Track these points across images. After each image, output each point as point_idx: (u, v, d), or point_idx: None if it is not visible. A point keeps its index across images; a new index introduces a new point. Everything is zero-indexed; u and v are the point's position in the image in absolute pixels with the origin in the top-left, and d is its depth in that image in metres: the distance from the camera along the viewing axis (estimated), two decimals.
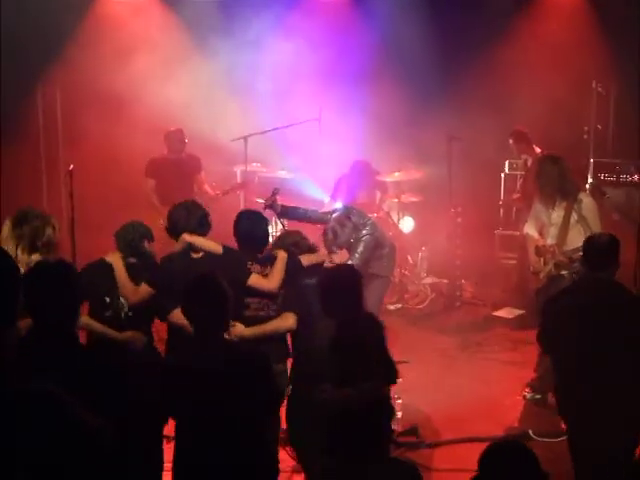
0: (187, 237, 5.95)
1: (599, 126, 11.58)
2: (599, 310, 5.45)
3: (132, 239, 6.00)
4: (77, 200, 8.58)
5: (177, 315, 5.40)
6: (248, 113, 11.02)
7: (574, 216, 7.47)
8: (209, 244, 5.98)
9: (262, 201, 8.04)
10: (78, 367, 3.73)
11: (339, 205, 8.62)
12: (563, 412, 5.77)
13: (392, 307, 10.17)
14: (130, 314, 5.90)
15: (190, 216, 5.99)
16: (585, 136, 12.41)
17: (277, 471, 5.06)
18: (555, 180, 7.56)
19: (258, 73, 11.54)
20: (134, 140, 10.94)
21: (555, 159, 7.76)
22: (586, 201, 7.54)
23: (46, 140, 11.99)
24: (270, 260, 6.05)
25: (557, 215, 7.56)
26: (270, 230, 6.49)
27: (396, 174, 10.56)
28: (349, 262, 7.55)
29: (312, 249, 6.63)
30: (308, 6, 11.86)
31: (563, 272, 7.50)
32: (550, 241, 7.59)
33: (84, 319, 5.63)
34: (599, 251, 5.66)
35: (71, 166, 8.72)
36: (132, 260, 6.01)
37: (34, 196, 11.12)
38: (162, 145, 9.67)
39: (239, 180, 10.35)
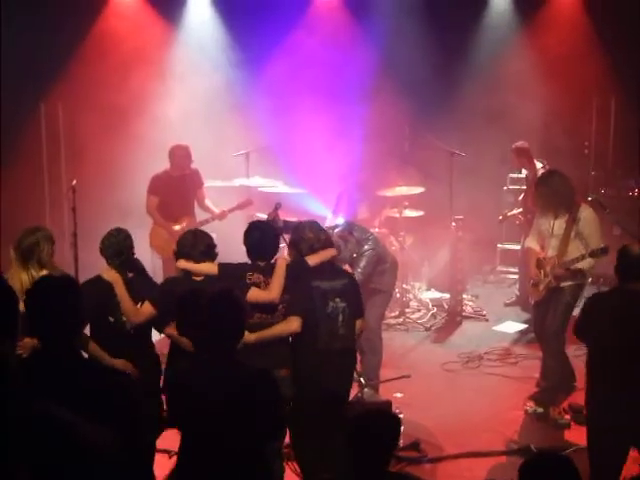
0: (182, 264, 5.99)
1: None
2: (630, 322, 5.56)
3: (121, 252, 5.98)
4: (80, 215, 8.62)
5: (172, 330, 5.68)
6: (247, 129, 11.06)
7: (575, 229, 7.50)
8: (203, 267, 5.95)
9: (264, 216, 8.06)
10: (81, 383, 3.74)
11: (341, 220, 8.65)
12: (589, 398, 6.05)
13: (393, 321, 10.17)
14: (132, 331, 5.89)
15: (196, 244, 6.00)
16: (586, 150, 12.47)
17: None
18: (559, 193, 7.60)
19: (257, 89, 11.58)
20: (136, 155, 10.99)
21: (560, 173, 7.82)
22: (586, 213, 7.56)
23: (49, 156, 12.04)
24: (272, 268, 5.96)
25: (558, 227, 7.59)
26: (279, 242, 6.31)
27: (397, 189, 10.58)
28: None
29: (325, 244, 6.25)
30: (308, 23, 11.93)
31: (563, 285, 7.54)
32: (551, 253, 7.62)
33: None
34: (630, 262, 5.70)
35: (74, 181, 8.76)
36: (130, 275, 5.97)
37: (37, 211, 11.17)
38: (164, 160, 9.66)
39: (242, 196, 10.32)
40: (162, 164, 9.67)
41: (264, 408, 4.35)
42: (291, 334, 5.88)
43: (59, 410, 3.04)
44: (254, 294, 5.78)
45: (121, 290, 5.84)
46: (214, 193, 10.57)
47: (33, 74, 11.00)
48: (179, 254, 6.04)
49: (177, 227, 9.41)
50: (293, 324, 5.81)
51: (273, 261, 6.03)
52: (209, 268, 5.94)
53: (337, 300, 5.92)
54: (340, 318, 5.90)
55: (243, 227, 10.04)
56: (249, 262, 6.03)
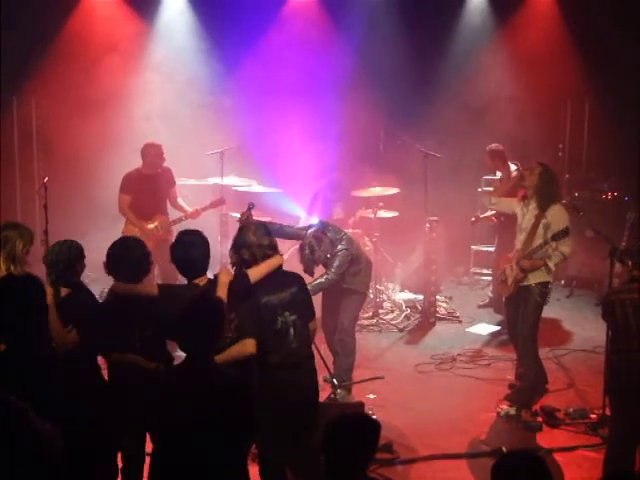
0: (116, 288, 5.58)
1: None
2: None
3: (57, 263, 5.52)
4: (51, 212, 8.54)
5: (118, 356, 5.40)
6: (222, 127, 11.02)
7: (543, 224, 7.55)
8: (142, 289, 5.58)
9: (237, 215, 8.00)
10: (41, 381, 3.71)
11: (315, 220, 8.61)
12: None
13: (367, 322, 10.15)
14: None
15: (125, 260, 5.56)
16: (560, 153, 12.53)
17: None
18: (541, 186, 7.63)
19: (232, 88, 11.54)
20: (109, 153, 10.93)
21: (546, 167, 7.84)
22: (554, 210, 7.60)
23: (21, 152, 11.93)
24: (213, 288, 5.46)
25: (527, 221, 7.65)
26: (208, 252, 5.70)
27: (372, 190, 10.57)
28: (325, 277, 7.58)
29: (267, 251, 5.70)
30: (283, 21, 11.91)
31: (530, 283, 7.58)
32: (518, 247, 7.69)
33: None
34: None
35: (46, 178, 8.69)
36: (65, 292, 5.45)
37: (8, 208, 11.05)
38: (137, 158, 9.59)
39: (216, 195, 10.26)
40: (135, 162, 9.60)
41: (240, 409, 4.32)
42: (249, 356, 5.42)
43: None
44: None
45: (51, 312, 5.15)
46: (188, 192, 10.52)
47: (6, 68, 10.88)
48: (111, 273, 5.60)
49: (151, 225, 9.37)
50: (248, 347, 5.39)
51: (214, 276, 5.60)
52: (149, 290, 5.59)
53: (286, 314, 5.56)
54: (291, 332, 5.56)
55: (216, 226, 10.04)
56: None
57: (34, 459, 3.23)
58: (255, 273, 5.56)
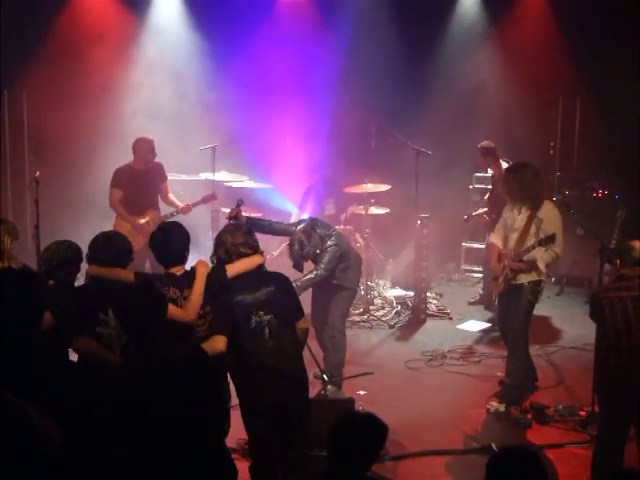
0: (92, 271, 5.52)
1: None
2: None
3: (51, 261, 5.59)
4: (42, 207, 8.52)
5: (81, 342, 5.28)
6: (214, 123, 11.01)
7: (536, 224, 7.55)
8: (119, 274, 5.46)
9: (228, 211, 8.00)
10: (32, 375, 3.71)
11: (305, 216, 8.62)
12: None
13: (357, 319, 10.16)
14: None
15: (106, 247, 5.53)
16: (551, 151, 12.56)
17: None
18: (526, 186, 7.63)
19: (224, 84, 11.52)
20: (101, 147, 10.92)
21: (531, 166, 7.86)
22: (548, 209, 7.61)
23: (12, 146, 11.89)
24: (189, 279, 5.47)
25: (520, 221, 7.65)
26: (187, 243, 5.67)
27: (364, 186, 10.58)
28: (315, 272, 7.58)
29: (242, 251, 5.73)
30: (276, 19, 11.91)
31: (522, 281, 7.59)
32: (511, 246, 7.69)
33: None
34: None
35: (37, 173, 8.66)
36: (50, 283, 5.52)
37: None
38: (129, 153, 9.57)
39: (207, 191, 10.24)
40: (127, 157, 9.59)
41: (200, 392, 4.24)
42: (219, 354, 5.33)
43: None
44: (171, 312, 5.06)
45: None
46: (179, 187, 10.52)
47: None
48: (90, 258, 5.58)
49: (142, 220, 9.36)
50: (218, 344, 5.31)
51: (191, 268, 5.59)
52: (125, 275, 5.46)
53: (261, 314, 5.53)
54: (266, 331, 5.52)
55: (207, 221, 10.04)
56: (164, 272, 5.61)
57: (35, 457, 3.21)
58: (233, 269, 5.62)
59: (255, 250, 5.81)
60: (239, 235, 5.79)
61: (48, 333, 5.08)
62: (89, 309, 5.30)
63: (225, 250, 5.72)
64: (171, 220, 5.93)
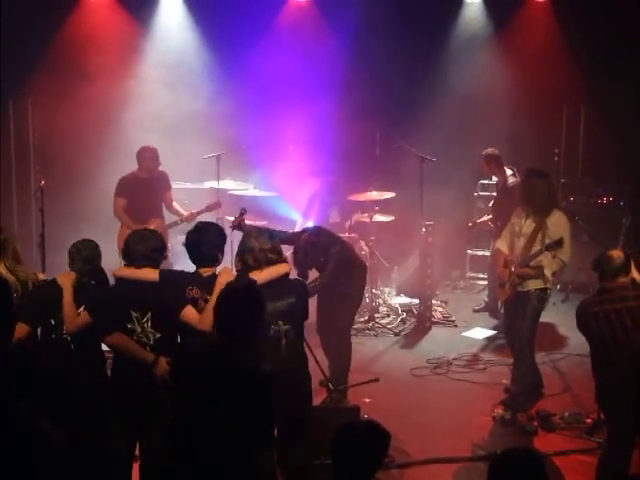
0: (117, 273, 5.58)
1: None
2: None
3: (91, 257, 5.75)
4: (48, 216, 8.54)
5: (115, 338, 5.38)
6: (219, 131, 11.02)
7: (543, 231, 7.54)
8: (141, 274, 5.44)
9: (232, 219, 8.01)
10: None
11: (310, 224, 8.62)
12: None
13: (363, 326, 10.15)
14: (69, 338, 5.59)
15: (138, 246, 5.52)
16: (555, 158, 12.54)
17: None
18: (543, 193, 7.62)
19: (229, 92, 11.53)
20: (105, 156, 10.93)
21: (544, 174, 7.87)
22: (556, 217, 7.61)
23: (17, 155, 11.91)
24: (212, 285, 5.45)
25: (527, 227, 7.65)
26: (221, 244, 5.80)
27: (368, 194, 10.59)
28: (319, 280, 7.57)
29: (270, 256, 5.74)
30: (280, 26, 11.92)
31: (529, 289, 7.57)
32: (517, 252, 7.68)
33: None
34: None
35: (42, 182, 8.68)
36: (86, 280, 5.70)
37: (4, 211, 11.03)
38: (133, 162, 9.59)
39: (211, 199, 10.26)
40: (131, 166, 9.61)
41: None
42: None
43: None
44: (187, 314, 5.30)
45: (67, 295, 5.56)
46: (184, 195, 10.53)
47: (2, 72, 10.87)
48: (123, 255, 5.68)
49: None
50: None
51: (213, 274, 5.64)
52: (148, 274, 5.45)
53: (280, 323, 5.57)
54: (283, 341, 5.58)
55: None
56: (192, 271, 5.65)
57: (43, 461, 3.22)
58: (260, 277, 5.53)
59: (280, 254, 5.83)
60: (265, 240, 5.77)
61: (85, 330, 5.44)
62: (121, 307, 5.39)
63: (253, 257, 5.68)
64: (210, 222, 6.04)
